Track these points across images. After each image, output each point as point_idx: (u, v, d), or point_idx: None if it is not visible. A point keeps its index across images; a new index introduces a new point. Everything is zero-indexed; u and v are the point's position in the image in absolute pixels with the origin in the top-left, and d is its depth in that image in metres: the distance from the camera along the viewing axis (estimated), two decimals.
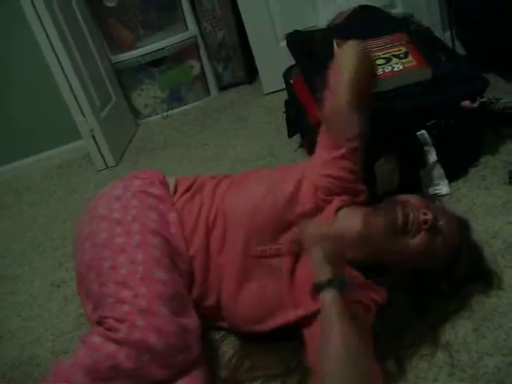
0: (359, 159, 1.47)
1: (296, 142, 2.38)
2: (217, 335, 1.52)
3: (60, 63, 2.70)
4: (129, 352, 1.16)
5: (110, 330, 1.19)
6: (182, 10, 3.23)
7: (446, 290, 1.37)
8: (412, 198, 1.39)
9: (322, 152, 1.50)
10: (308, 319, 1.33)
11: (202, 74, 3.40)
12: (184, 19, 3.27)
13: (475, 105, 1.79)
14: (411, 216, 1.31)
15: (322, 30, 2.42)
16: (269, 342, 1.42)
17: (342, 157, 1.44)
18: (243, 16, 2.98)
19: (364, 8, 2.40)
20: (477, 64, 1.96)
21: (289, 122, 2.37)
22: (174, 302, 1.26)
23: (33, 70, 3.00)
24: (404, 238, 1.31)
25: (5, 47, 2.98)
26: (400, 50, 1.89)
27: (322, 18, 2.69)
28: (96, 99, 2.92)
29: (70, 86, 2.76)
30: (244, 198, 1.46)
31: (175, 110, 3.39)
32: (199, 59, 3.36)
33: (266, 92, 3.13)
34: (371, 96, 1.53)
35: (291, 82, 2.28)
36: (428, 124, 1.79)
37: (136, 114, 3.41)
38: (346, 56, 1.51)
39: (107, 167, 2.93)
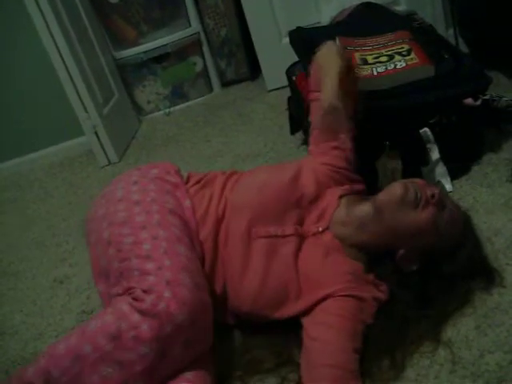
0: (352, 153, 1.58)
1: (299, 138, 2.38)
2: None
3: (63, 59, 2.70)
4: (152, 323, 1.16)
5: (136, 300, 1.19)
6: (185, 6, 3.23)
7: (448, 274, 1.37)
8: (417, 179, 1.45)
9: (314, 147, 1.60)
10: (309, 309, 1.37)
11: (205, 71, 3.40)
12: (187, 16, 3.26)
13: (478, 102, 1.80)
14: (420, 190, 1.36)
15: (324, 27, 2.42)
16: (269, 336, 1.43)
17: (336, 147, 1.55)
18: (246, 12, 2.98)
19: (367, 5, 2.40)
20: (479, 62, 1.95)
21: (291, 118, 2.37)
22: (196, 277, 1.27)
23: (36, 66, 3.00)
24: (414, 212, 1.35)
25: (8, 43, 2.98)
26: (403, 48, 1.89)
27: (325, 15, 2.69)
28: (99, 95, 2.92)
29: (73, 82, 2.76)
30: (249, 183, 1.53)
31: (178, 107, 3.39)
32: (202, 56, 3.36)
33: (268, 89, 3.13)
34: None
35: (294, 78, 2.28)
36: (430, 121, 1.79)
37: (138, 110, 3.41)
38: (326, 57, 1.62)
39: (110, 163, 2.94)
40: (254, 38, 3.03)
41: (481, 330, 1.30)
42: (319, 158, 1.55)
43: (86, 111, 2.83)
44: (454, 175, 1.84)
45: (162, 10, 3.23)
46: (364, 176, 1.61)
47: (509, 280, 1.41)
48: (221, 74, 3.45)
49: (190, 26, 3.28)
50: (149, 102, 3.40)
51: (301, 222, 1.45)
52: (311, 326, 1.35)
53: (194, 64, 3.36)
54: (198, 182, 1.58)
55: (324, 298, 1.35)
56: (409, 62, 1.82)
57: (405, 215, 1.35)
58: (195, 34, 3.28)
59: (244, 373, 1.38)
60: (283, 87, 2.73)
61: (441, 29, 2.52)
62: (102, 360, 1.17)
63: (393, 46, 1.92)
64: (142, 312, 1.17)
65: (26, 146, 3.24)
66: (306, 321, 1.37)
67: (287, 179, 1.47)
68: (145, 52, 3.23)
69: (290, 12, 2.89)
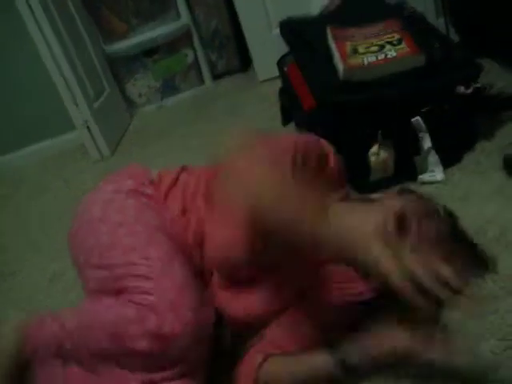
0: None
1: (291, 129, 2.38)
2: None
3: (53, 54, 2.69)
4: (151, 342, 1.15)
5: (141, 315, 1.18)
6: None
7: None
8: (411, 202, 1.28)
9: None
10: None
11: (196, 63, 3.39)
12: (177, 8, 3.25)
13: (469, 91, 1.80)
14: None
15: (315, 18, 2.42)
16: None
17: None
18: (236, 4, 2.97)
19: None
20: (470, 50, 1.96)
21: (283, 109, 2.37)
22: (194, 293, 1.24)
23: (26, 61, 2.98)
24: None
25: None
26: (393, 37, 1.89)
27: (315, 6, 2.67)
28: (90, 90, 2.91)
29: (64, 77, 2.75)
30: None
31: (169, 100, 3.39)
32: (193, 48, 3.35)
33: (260, 80, 3.12)
34: None
35: (285, 69, 2.28)
36: (422, 110, 1.79)
37: (130, 103, 3.41)
38: None
39: (102, 158, 2.93)
40: (244, 30, 3.02)
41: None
42: None
43: (77, 106, 2.83)
44: (446, 164, 1.85)
45: (151, 2, 3.21)
46: (356, 167, 1.61)
47: (502, 267, 1.41)
48: (212, 66, 3.44)
49: (180, 18, 3.26)
50: (140, 96, 3.39)
51: None
52: None
53: (185, 56, 3.36)
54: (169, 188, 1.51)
55: None
56: (399, 52, 1.82)
57: None
58: (185, 26, 3.26)
59: None
60: (274, 78, 2.72)
61: (431, 18, 2.52)
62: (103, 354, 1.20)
63: (383, 35, 1.92)
64: (144, 330, 1.15)
65: (17, 141, 3.23)
66: None
67: None
68: (135, 45, 3.22)
69: (280, 2, 2.87)
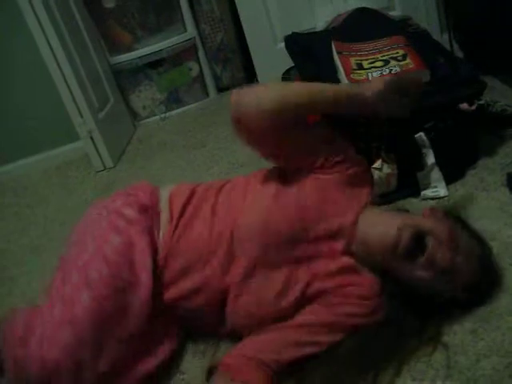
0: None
1: None
2: None
3: (58, 64, 2.70)
4: (15, 365, 1.17)
5: (24, 333, 1.19)
6: (181, 11, 3.24)
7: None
8: (443, 228, 1.32)
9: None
10: None
11: (201, 76, 3.40)
12: (183, 21, 3.27)
13: (473, 107, 1.80)
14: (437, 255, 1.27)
15: (320, 33, 2.43)
16: None
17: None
18: (242, 18, 2.99)
19: (362, 10, 2.41)
20: (474, 66, 1.96)
21: None
22: (88, 331, 1.20)
23: (31, 71, 3.00)
24: (409, 265, 1.28)
25: (3, 48, 2.98)
26: (398, 53, 1.90)
27: (320, 21, 2.70)
28: (94, 100, 2.92)
29: (69, 87, 2.75)
30: (250, 219, 1.39)
31: (173, 112, 3.39)
32: (198, 61, 3.36)
33: None
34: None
35: None
36: (426, 126, 1.79)
37: (134, 115, 3.41)
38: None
39: (105, 168, 2.93)
40: (249, 43, 3.04)
41: (477, 334, 1.30)
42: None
43: (82, 116, 2.83)
44: (449, 180, 1.85)
45: (157, 15, 3.23)
46: None
47: (505, 284, 1.41)
48: (216, 79, 3.45)
49: (186, 31, 3.28)
50: (144, 107, 3.40)
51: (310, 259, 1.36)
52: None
53: (190, 69, 3.37)
54: (181, 214, 1.44)
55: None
56: (404, 67, 1.82)
57: (400, 266, 1.30)
58: (191, 39, 3.28)
59: None
60: None
61: (435, 34, 2.53)
62: None
63: (388, 51, 1.92)
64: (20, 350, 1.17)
65: (21, 150, 3.24)
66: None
67: (292, 210, 1.37)
68: (140, 57, 3.23)
69: (285, 17, 2.90)
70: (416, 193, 1.85)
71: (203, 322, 1.44)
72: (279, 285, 1.34)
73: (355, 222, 1.38)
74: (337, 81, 1.89)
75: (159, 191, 1.54)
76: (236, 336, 1.41)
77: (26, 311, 1.30)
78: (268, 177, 1.49)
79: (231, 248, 1.36)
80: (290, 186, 1.41)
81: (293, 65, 2.30)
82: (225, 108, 3.21)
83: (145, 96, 3.36)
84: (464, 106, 1.81)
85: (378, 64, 1.87)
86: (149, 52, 3.23)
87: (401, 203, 1.82)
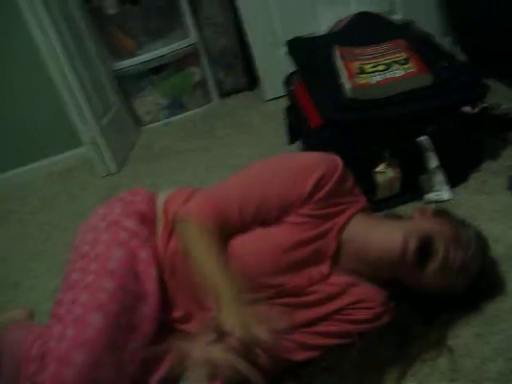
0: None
1: (296, 148, 2.38)
2: None
3: (62, 70, 2.70)
4: None
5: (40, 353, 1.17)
6: (183, 17, 3.24)
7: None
8: (443, 227, 1.31)
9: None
10: None
11: (203, 81, 3.40)
12: (185, 26, 3.27)
13: (476, 110, 1.80)
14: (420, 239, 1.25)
15: (322, 37, 2.43)
16: None
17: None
18: (244, 23, 2.99)
19: (364, 15, 2.41)
20: (477, 69, 1.96)
21: (289, 128, 2.37)
22: (104, 352, 1.17)
23: (35, 77, 3.00)
24: (417, 271, 1.26)
25: (6, 55, 2.99)
26: (400, 56, 1.90)
27: (323, 25, 2.70)
28: (98, 106, 2.93)
29: (72, 93, 2.76)
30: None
31: (176, 117, 3.40)
32: (200, 66, 3.37)
33: (267, 98, 3.14)
34: None
35: (292, 88, 2.28)
36: (429, 129, 1.79)
37: (137, 120, 3.42)
38: None
39: (109, 174, 2.94)
40: (251, 48, 3.05)
41: (482, 337, 1.30)
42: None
43: (85, 122, 2.84)
44: (452, 183, 1.84)
45: (160, 20, 3.24)
46: (361, 185, 1.61)
47: (509, 287, 1.41)
48: (219, 85, 3.46)
49: (188, 36, 3.28)
50: (148, 113, 3.41)
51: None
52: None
53: (192, 74, 3.37)
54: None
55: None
56: (407, 71, 1.83)
57: (409, 274, 1.28)
58: (193, 44, 3.28)
59: None
60: (281, 97, 2.73)
61: (438, 37, 2.53)
62: None
63: (390, 54, 1.93)
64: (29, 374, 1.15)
65: (25, 156, 3.24)
66: None
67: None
68: (143, 63, 3.24)
69: (287, 22, 2.90)
70: (419, 196, 1.85)
71: None
72: None
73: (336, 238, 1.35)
74: (339, 86, 1.89)
75: (157, 197, 1.52)
76: None
77: (36, 329, 1.30)
78: None
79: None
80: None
81: (295, 69, 2.30)
82: (227, 113, 3.25)
83: (148, 101, 3.37)
84: (467, 109, 1.80)
85: (381, 68, 1.87)
86: (151, 57, 3.23)
87: (403, 208, 1.82)
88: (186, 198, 1.44)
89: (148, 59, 3.24)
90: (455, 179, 1.86)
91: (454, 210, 1.72)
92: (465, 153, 1.85)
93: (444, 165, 1.81)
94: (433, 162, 1.81)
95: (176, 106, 3.39)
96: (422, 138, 1.79)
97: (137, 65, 3.25)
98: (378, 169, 1.81)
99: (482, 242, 1.36)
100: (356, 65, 1.91)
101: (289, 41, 2.37)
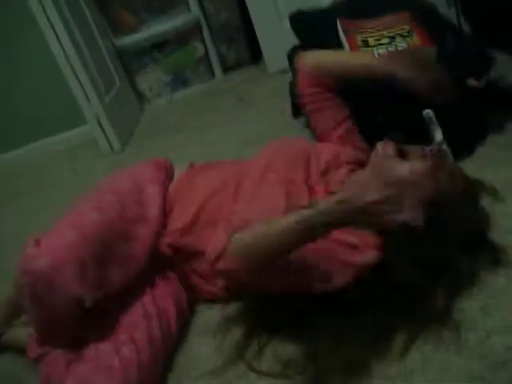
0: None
1: (301, 122, 2.37)
2: None
3: (63, 48, 2.70)
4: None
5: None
6: None
7: (453, 244, 1.35)
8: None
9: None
10: None
11: (206, 56, 3.38)
12: (186, 1, 3.24)
13: (481, 83, 1.78)
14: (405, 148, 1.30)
15: (325, 10, 2.40)
16: None
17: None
18: None
19: None
20: (483, 41, 1.94)
21: (293, 102, 2.36)
22: (93, 241, 1.34)
23: (36, 55, 3.00)
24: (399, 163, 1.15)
25: (8, 34, 2.99)
26: (404, 29, 1.88)
27: None
28: (100, 84, 2.92)
29: (74, 71, 2.76)
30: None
31: (180, 93, 3.39)
32: (202, 41, 3.34)
33: (270, 72, 3.12)
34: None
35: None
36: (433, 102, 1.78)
37: (141, 97, 3.41)
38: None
39: (113, 152, 2.94)
40: (254, 22, 3.02)
41: (486, 311, 1.30)
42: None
43: (88, 100, 2.84)
44: (457, 157, 1.83)
45: None
46: None
47: None
48: (222, 59, 3.43)
49: (190, 11, 3.25)
50: (151, 89, 3.39)
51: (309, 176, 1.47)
52: None
53: (195, 49, 3.35)
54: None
55: None
56: (410, 43, 1.81)
57: (396, 167, 1.19)
58: (195, 19, 3.26)
59: None
60: (285, 70, 2.71)
61: (442, 8, 2.50)
62: None
63: (394, 27, 1.91)
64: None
65: (29, 135, 3.26)
66: None
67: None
68: (145, 39, 3.23)
69: None
70: None
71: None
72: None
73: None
74: None
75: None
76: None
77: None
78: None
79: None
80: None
81: (298, 43, 2.28)
82: (231, 88, 3.23)
83: (151, 78, 3.36)
84: (472, 81, 1.78)
85: (384, 41, 1.86)
86: (153, 33, 3.22)
87: None
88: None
89: (150, 35, 3.22)
90: (460, 152, 1.85)
91: None
92: (470, 126, 1.84)
93: (449, 138, 1.80)
94: (438, 135, 1.79)
95: (179, 82, 3.38)
96: (427, 111, 1.77)
97: (139, 41, 3.24)
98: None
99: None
100: (359, 38, 1.90)
101: (291, 14, 2.34)
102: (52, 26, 2.64)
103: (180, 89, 3.39)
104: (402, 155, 1.19)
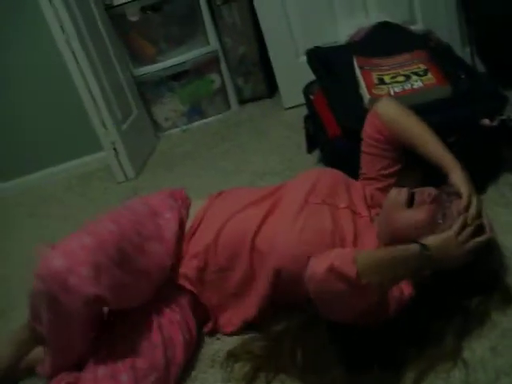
0: None
1: (315, 157, 2.39)
2: None
3: (83, 76, 2.74)
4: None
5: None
6: (204, 24, 3.26)
7: (464, 285, 1.37)
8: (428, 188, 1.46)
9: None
10: None
11: (223, 88, 3.42)
12: (205, 34, 3.30)
13: (494, 123, 1.79)
14: (417, 193, 1.42)
15: (341, 47, 2.44)
16: None
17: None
18: (264, 31, 3.00)
19: (383, 25, 2.42)
20: (496, 81, 1.96)
21: (308, 137, 2.38)
22: (109, 249, 1.36)
23: (56, 82, 3.04)
24: (408, 211, 1.40)
25: (29, 60, 3.03)
26: (419, 68, 1.90)
27: (342, 34, 2.70)
28: (118, 112, 2.96)
29: (93, 99, 2.80)
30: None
31: (195, 124, 3.42)
32: (220, 73, 3.38)
33: (285, 107, 3.14)
34: None
35: (311, 97, 2.29)
36: (447, 141, 1.79)
37: (156, 126, 3.44)
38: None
39: (127, 179, 2.96)
40: (271, 56, 3.05)
41: (497, 351, 1.29)
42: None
43: (105, 127, 2.87)
44: None
45: (180, 27, 3.27)
46: None
47: None
48: (238, 92, 3.47)
49: (209, 43, 3.31)
50: (167, 119, 3.43)
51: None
52: None
53: (212, 81, 3.39)
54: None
55: None
56: (426, 82, 1.83)
57: (400, 215, 1.40)
58: (213, 51, 3.31)
59: None
60: (300, 105, 2.74)
61: (457, 48, 2.52)
62: None
63: (410, 65, 1.93)
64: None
65: (44, 160, 3.28)
66: None
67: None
68: (163, 69, 3.27)
69: (307, 30, 2.91)
70: None
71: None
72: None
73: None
74: (358, 95, 1.89)
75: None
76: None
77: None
78: None
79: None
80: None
81: (314, 78, 2.31)
82: (246, 120, 3.25)
83: (167, 108, 3.40)
84: (485, 121, 1.80)
85: (400, 79, 1.88)
86: (172, 64, 3.27)
87: None
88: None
89: (168, 66, 3.27)
90: None
91: None
92: (482, 165, 1.84)
93: None
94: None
95: (195, 112, 3.41)
96: None
97: (157, 71, 3.28)
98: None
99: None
100: (375, 75, 1.92)
101: (308, 50, 2.37)
102: (73, 53, 2.69)
103: (196, 119, 3.42)
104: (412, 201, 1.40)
